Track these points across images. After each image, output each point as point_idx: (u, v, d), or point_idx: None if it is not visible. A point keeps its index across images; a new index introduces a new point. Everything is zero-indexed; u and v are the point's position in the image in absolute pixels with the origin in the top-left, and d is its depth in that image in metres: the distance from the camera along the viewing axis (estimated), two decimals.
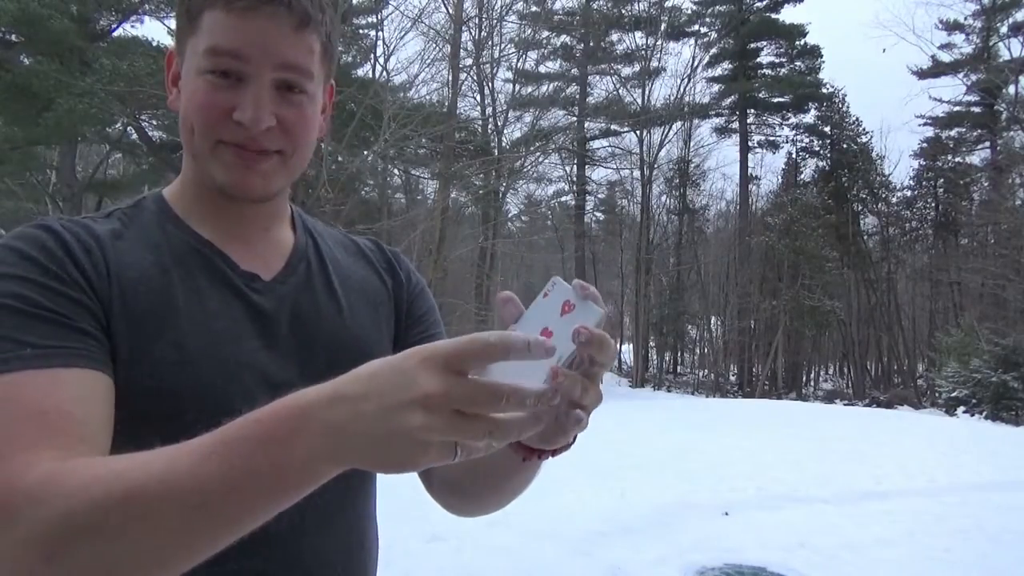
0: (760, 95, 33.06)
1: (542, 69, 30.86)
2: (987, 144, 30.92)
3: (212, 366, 0.76)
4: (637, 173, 29.80)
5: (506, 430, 0.53)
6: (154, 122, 16.13)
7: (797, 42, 32.21)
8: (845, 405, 21.27)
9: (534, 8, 25.75)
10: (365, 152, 17.92)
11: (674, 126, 30.27)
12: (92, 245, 0.75)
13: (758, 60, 33.47)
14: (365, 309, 0.92)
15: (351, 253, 0.98)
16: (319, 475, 0.55)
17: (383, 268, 0.99)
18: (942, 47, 31.23)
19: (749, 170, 33.46)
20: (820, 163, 33.06)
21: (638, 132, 28.81)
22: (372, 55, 20.90)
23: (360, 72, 20.38)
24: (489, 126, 25.17)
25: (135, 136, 17.09)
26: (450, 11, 19.73)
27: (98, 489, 0.56)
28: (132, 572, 0.56)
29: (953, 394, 18.58)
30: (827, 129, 32.48)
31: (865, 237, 32.22)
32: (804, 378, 32.25)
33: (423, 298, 1.00)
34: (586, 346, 0.58)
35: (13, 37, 13.96)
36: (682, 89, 30.07)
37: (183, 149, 0.84)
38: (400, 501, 2.87)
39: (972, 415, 17.24)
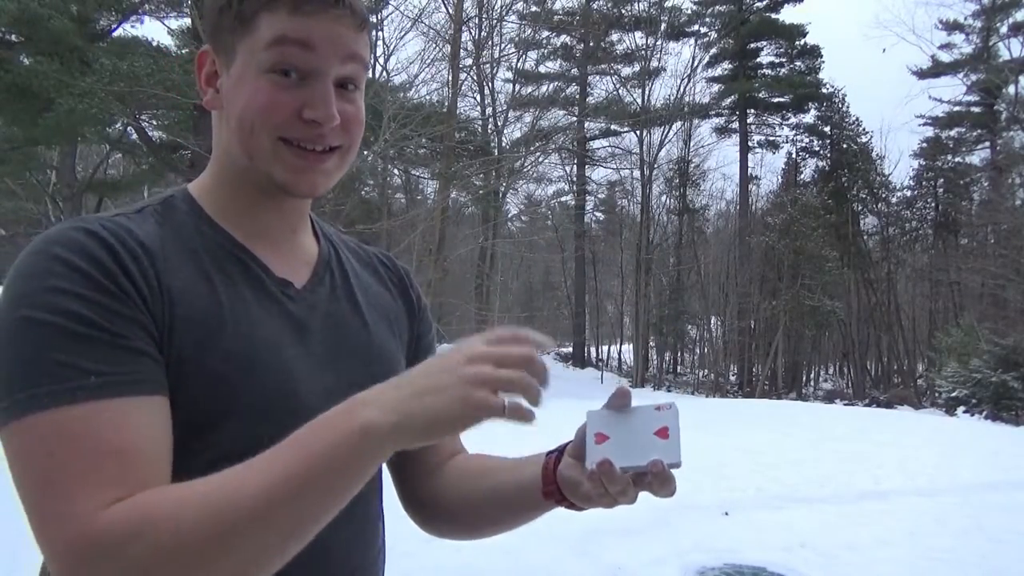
0: (760, 95, 33.07)
1: (542, 69, 30.90)
2: (987, 144, 30.93)
3: (260, 375, 0.75)
4: (637, 173, 29.84)
5: (531, 385, 0.64)
6: (154, 122, 16.13)
7: (797, 42, 32.22)
8: (845, 405, 21.25)
9: (534, 8, 25.77)
10: (365, 152, 17.90)
11: (674, 126, 30.32)
12: (139, 252, 0.72)
13: (758, 60, 33.47)
14: (383, 323, 0.93)
15: (364, 265, 0.99)
16: (375, 442, 0.62)
17: (394, 285, 1.00)
18: (942, 47, 31.32)
19: (749, 170, 33.52)
20: (820, 163, 33.10)
21: (638, 132, 28.82)
22: (372, 55, 20.87)
23: None
24: (489, 126, 25.19)
25: (135, 136, 17.07)
26: (450, 11, 19.74)
27: (186, 518, 0.59)
28: None
29: (953, 394, 18.57)
30: (827, 129, 32.49)
31: (865, 237, 32.23)
32: (804, 378, 32.25)
33: (427, 319, 1.04)
34: (652, 475, 0.74)
35: (13, 37, 13.94)
36: (682, 89, 30.13)
37: (226, 148, 0.82)
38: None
39: (972, 415, 17.23)
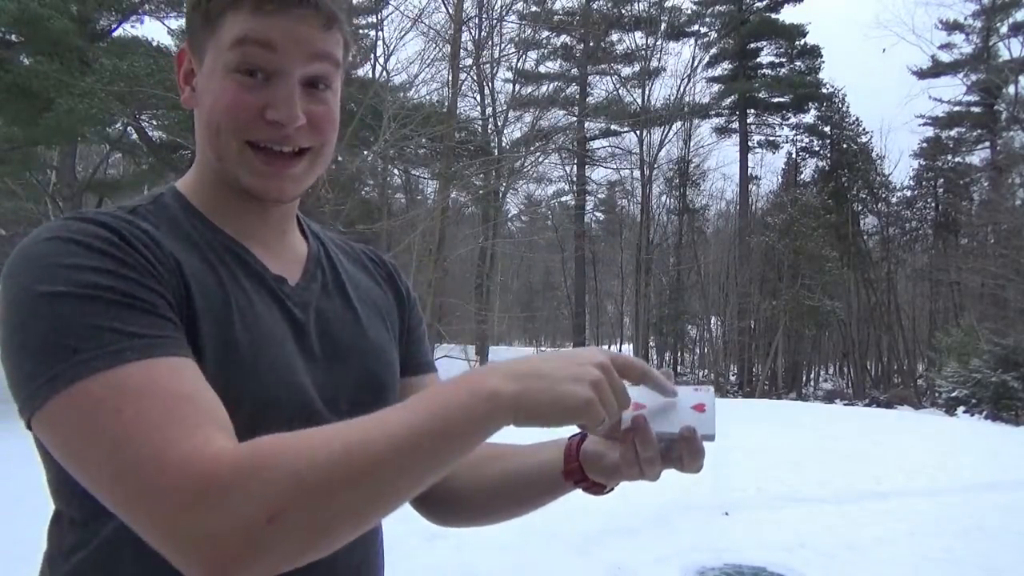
0: (760, 95, 33.04)
1: (542, 69, 30.89)
2: (987, 144, 30.92)
3: (263, 366, 0.75)
4: (637, 173, 29.84)
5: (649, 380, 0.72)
6: (154, 122, 16.11)
7: (797, 42, 32.19)
8: (845, 405, 21.24)
9: (534, 8, 25.76)
10: (365, 152, 17.91)
11: (674, 126, 30.29)
12: (146, 239, 0.72)
13: (758, 60, 33.45)
14: (376, 317, 0.94)
15: (353, 261, 0.99)
16: (499, 414, 0.64)
17: (383, 280, 1.01)
18: (942, 47, 31.29)
19: (749, 170, 33.49)
20: (820, 163, 33.08)
21: (638, 132, 28.81)
22: (372, 55, 20.88)
23: (360, 72, 20.37)
24: (489, 126, 25.18)
25: (135, 136, 17.08)
26: (450, 11, 19.72)
27: (319, 451, 0.60)
28: (346, 522, 0.61)
29: (953, 394, 18.56)
30: (827, 129, 32.47)
31: (865, 237, 32.22)
32: (804, 378, 32.24)
33: (416, 312, 1.04)
34: (683, 442, 0.75)
35: (13, 37, 13.94)
36: (682, 89, 30.11)
37: (202, 147, 0.82)
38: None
39: (972, 415, 17.22)
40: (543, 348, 34.29)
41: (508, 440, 0.91)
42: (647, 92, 29.96)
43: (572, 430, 0.85)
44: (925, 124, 32.00)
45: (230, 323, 0.74)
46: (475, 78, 23.90)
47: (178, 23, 16.58)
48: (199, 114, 0.80)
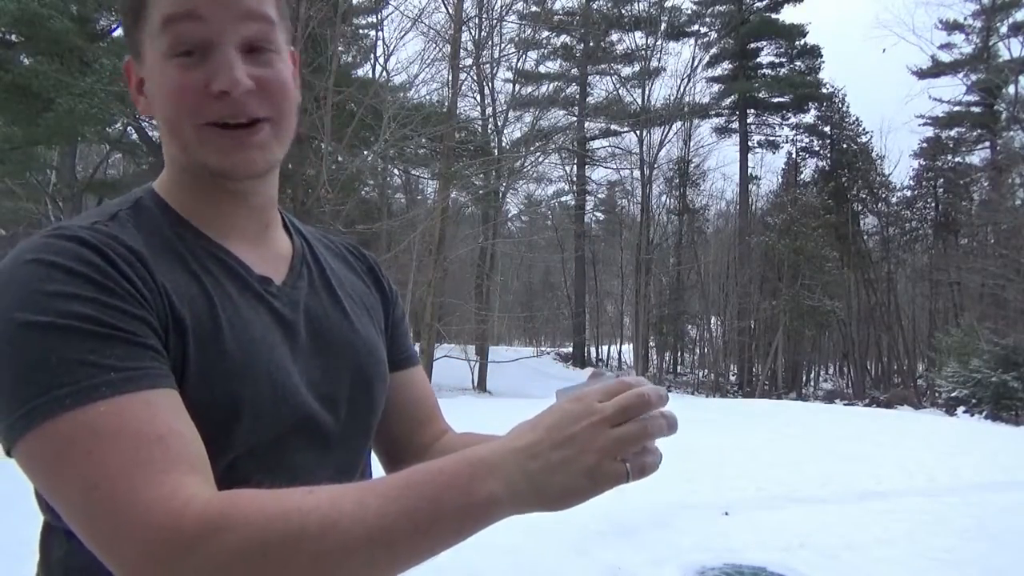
0: (760, 95, 33.08)
1: (542, 69, 30.88)
2: (987, 144, 30.92)
3: (257, 376, 0.74)
4: (637, 173, 29.83)
5: (657, 427, 0.65)
6: (154, 122, 16.05)
7: (797, 42, 32.24)
8: (845, 405, 21.26)
9: (534, 8, 25.75)
10: (365, 152, 17.91)
11: (674, 126, 30.33)
12: (131, 257, 0.70)
13: (758, 60, 33.49)
14: (364, 315, 0.93)
15: (336, 256, 0.98)
16: (496, 515, 0.63)
17: (366, 274, 1.00)
18: (942, 47, 31.30)
19: (749, 170, 33.52)
20: (820, 163, 33.12)
21: (638, 132, 28.83)
22: (372, 55, 20.91)
23: (360, 72, 20.39)
24: (489, 126, 25.17)
25: (135, 136, 17.10)
26: (450, 11, 19.74)
27: (292, 521, 0.58)
28: None
29: (953, 394, 18.58)
30: (827, 129, 32.52)
31: (865, 237, 32.24)
32: (804, 378, 32.25)
33: (399, 307, 1.03)
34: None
35: (13, 37, 13.95)
36: (682, 89, 30.12)
37: (167, 146, 0.80)
38: None
39: (972, 415, 17.24)
40: (544, 349, 34.28)
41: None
42: (647, 92, 30.00)
43: None
44: (925, 124, 32.05)
45: (219, 335, 0.72)
46: (475, 78, 23.90)
47: None
48: (156, 113, 0.78)
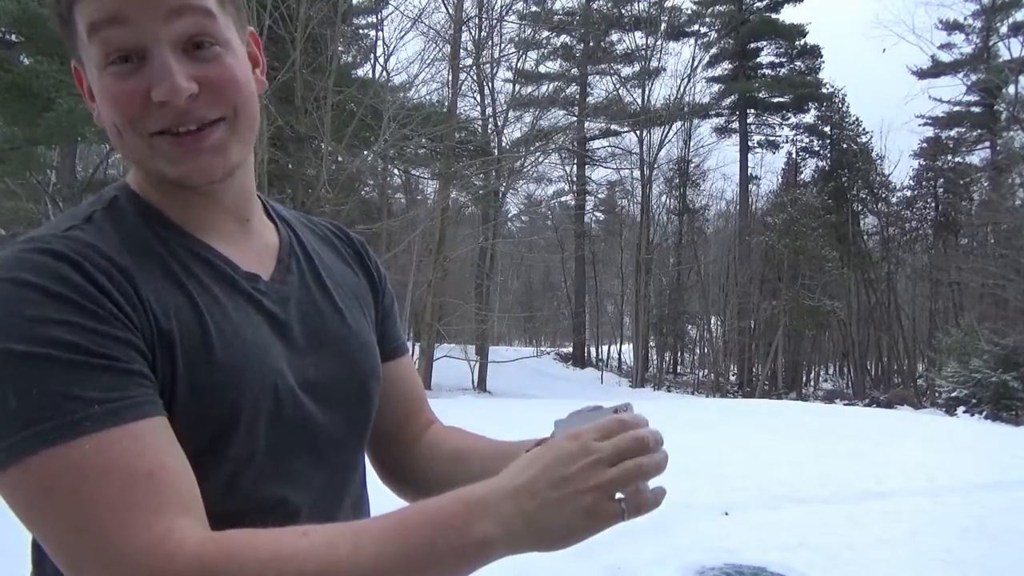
0: (760, 95, 33.10)
1: (542, 69, 30.88)
2: (987, 144, 30.93)
3: (251, 381, 0.71)
4: (637, 173, 29.86)
5: (653, 466, 0.65)
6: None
7: (797, 42, 32.26)
8: (845, 405, 21.25)
9: (534, 8, 25.78)
10: (365, 152, 17.92)
11: (674, 126, 30.35)
12: (111, 269, 0.66)
13: (758, 60, 33.52)
14: (356, 307, 0.90)
15: (322, 241, 0.94)
16: (492, 556, 0.63)
17: (353, 260, 0.96)
18: (942, 47, 31.31)
19: (749, 170, 33.56)
20: (820, 163, 33.13)
21: (638, 132, 28.84)
22: (372, 55, 20.91)
23: (360, 72, 20.39)
24: (489, 126, 25.19)
25: None
26: (450, 11, 19.76)
27: (288, 567, 0.58)
28: None
29: (953, 394, 18.58)
30: (827, 129, 32.52)
31: (865, 237, 32.25)
32: (804, 378, 32.26)
33: (389, 292, 1.00)
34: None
35: (13, 37, 13.95)
36: (682, 89, 30.14)
37: (122, 155, 0.75)
38: (398, 502, 2.86)
39: (972, 415, 17.24)
40: (544, 349, 34.28)
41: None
42: (647, 92, 30.01)
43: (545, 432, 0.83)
44: (925, 124, 32.08)
45: (208, 345, 0.69)
46: (475, 78, 23.92)
47: None
48: (104, 124, 0.73)
